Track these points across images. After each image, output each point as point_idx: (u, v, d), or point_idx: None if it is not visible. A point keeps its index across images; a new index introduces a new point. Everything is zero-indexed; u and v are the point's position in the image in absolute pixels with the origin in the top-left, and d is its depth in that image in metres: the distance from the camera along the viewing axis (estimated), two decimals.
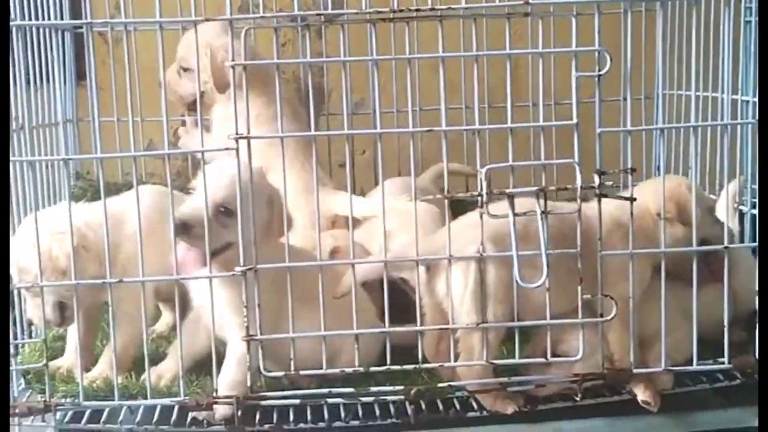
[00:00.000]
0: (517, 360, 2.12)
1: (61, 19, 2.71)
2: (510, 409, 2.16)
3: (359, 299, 2.19)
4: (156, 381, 2.22)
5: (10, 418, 2.08)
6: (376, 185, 2.97)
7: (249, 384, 2.09)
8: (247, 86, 2.12)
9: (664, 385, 2.19)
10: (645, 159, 3.09)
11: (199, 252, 2.07)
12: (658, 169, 3.00)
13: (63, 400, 2.14)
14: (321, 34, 3.30)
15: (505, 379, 2.15)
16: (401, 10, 2.05)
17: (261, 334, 2.07)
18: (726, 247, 2.16)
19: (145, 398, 2.13)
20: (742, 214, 2.65)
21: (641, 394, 2.16)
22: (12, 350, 2.18)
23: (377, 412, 2.17)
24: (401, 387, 2.14)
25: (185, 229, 2.04)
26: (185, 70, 2.88)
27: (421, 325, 2.14)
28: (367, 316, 2.22)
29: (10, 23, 2.16)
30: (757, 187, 2.39)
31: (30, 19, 2.41)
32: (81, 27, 2.94)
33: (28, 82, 2.31)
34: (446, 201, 2.12)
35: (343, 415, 2.16)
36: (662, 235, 2.15)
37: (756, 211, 2.46)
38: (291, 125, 2.69)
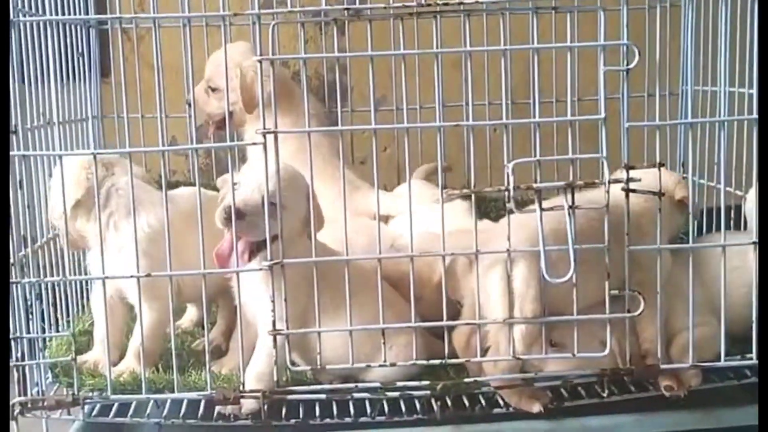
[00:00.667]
0: (543, 356, 2.11)
1: (86, 15, 2.73)
2: (535, 408, 2.15)
3: (400, 305, 2.19)
4: (217, 369, 2.26)
5: (39, 411, 2.09)
6: (399, 182, 2.98)
7: (275, 378, 2.10)
8: (275, 85, 2.12)
9: (692, 382, 2.18)
10: (669, 155, 3.07)
11: (245, 244, 2.09)
12: (683, 165, 3.00)
13: (90, 394, 2.15)
14: (344, 31, 3.30)
15: (530, 375, 2.15)
16: (428, 5, 2.04)
17: (289, 328, 2.07)
18: (754, 243, 2.15)
19: (172, 392, 2.14)
20: None
21: (666, 381, 2.15)
22: (40, 344, 2.20)
23: (403, 408, 2.17)
24: (427, 383, 2.14)
25: (239, 215, 2.05)
26: (213, 90, 2.90)
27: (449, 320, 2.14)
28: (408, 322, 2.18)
29: (38, 18, 2.18)
30: None
31: (57, 15, 2.43)
32: (105, 23, 2.96)
33: (56, 78, 2.32)
34: (473, 196, 2.11)
35: (369, 410, 2.16)
36: (691, 230, 2.15)
37: None
38: (319, 137, 2.70)
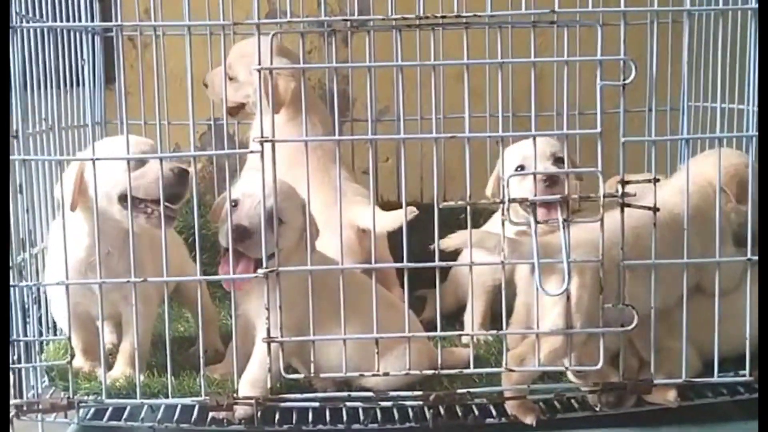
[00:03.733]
0: (536, 368, 2.11)
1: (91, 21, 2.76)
2: (529, 420, 2.15)
3: (398, 309, 2.21)
4: (210, 374, 2.25)
5: (34, 414, 2.11)
6: (398, 192, 2.98)
7: (269, 385, 2.11)
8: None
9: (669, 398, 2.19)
10: (669, 171, 3.07)
11: (247, 263, 2.12)
12: None
13: (86, 398, 2.16)
14: (347, 42, 3.33)
15: (524, 387, 2.15)
16: (427, 17, 2.06)
17: (284, 336, 2.09)
18: (749, 259, 2.15)
19: (167, 397, 2.15)
20: None
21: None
22: (37, 347, 2.21)
23: (396, 417, 2.18)
24: (420, 393, 2.15)
25: (246, 235, 2.08)
26: (231, 78, 2.86)
27: None
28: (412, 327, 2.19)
29: (41, 25, 2.20)
30: None
31: (62, 21, 2.45)
32: (111, 31, 2.99)
33: (58, 84, 2.34)
34: (468, 208, 2.11)
35: (362, 418, 2.17)
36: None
37: None
38: (318, 144, 2.72)
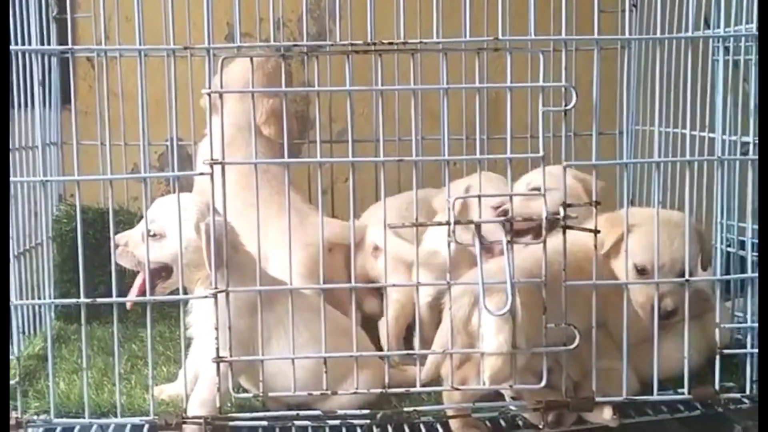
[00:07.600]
0: (481, 387, 2.15)
1: (48, 43, 2.78)
2: None
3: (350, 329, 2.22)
4: (157, 394, 2.27)
5: None
6: (354, 212, 3.02)
7: (218, 405, 2.13)
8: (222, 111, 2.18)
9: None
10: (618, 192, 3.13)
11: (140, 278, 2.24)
12: (632, 203, 3.06)
13: (34, 417, 2.18)
14: (306, 63, 3.37)
15: (470, 404, 2.19)
16: (375, 43, 2.11)
17: (232, 355, 2.11)
18: (687, 281, 2.21)
19: (116, 416, 2.17)
20: None
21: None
22: None
23: None
24: (368, 411, 2.18)
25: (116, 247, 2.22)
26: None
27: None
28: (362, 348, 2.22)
29: None
30: (724, 222, 2.47)
31: (16, 43, 2.47)
32: (66, 52, 3.01)
33: (11, 105, 2.36)
34: (416, 229, 2.16)
35: None
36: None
37: (729, 248, 2.53)
38: (268, 168, 2.76)
